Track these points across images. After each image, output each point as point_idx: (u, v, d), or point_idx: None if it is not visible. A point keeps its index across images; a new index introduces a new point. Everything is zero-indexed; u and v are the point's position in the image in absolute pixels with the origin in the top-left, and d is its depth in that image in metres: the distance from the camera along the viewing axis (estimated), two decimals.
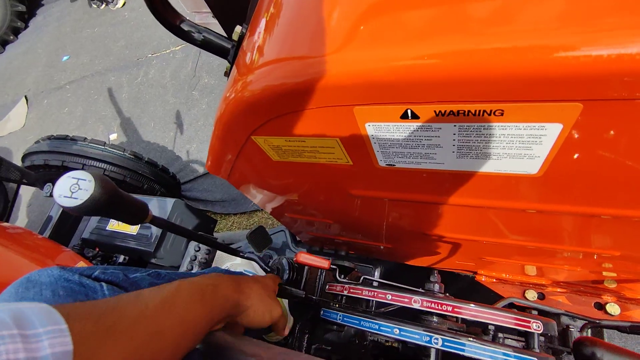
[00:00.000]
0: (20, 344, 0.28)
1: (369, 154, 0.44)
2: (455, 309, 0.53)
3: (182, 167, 2.40)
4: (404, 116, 0.35)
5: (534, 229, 0.56)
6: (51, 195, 1.48)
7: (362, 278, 0.68)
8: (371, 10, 0.35)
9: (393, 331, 0.53)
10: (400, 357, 0.73)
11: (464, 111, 0.32)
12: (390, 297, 0.58)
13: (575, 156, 0.35)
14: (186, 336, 0.45)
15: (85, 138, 1.76)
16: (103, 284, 0.56)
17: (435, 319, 0.62)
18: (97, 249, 1.42)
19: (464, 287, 1.30)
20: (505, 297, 0.89)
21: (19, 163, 1.72)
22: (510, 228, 0.58)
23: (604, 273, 0.77)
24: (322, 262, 0.69)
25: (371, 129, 0.39)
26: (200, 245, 1.30)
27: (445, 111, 0.33)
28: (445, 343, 0.49)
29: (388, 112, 0.35)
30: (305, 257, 0.69)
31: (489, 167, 0.41)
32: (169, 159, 2.49)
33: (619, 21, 0.24)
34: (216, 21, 0.65)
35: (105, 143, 1.77)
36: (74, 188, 0.42)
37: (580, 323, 0.85)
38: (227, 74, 0.55)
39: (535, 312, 0.76)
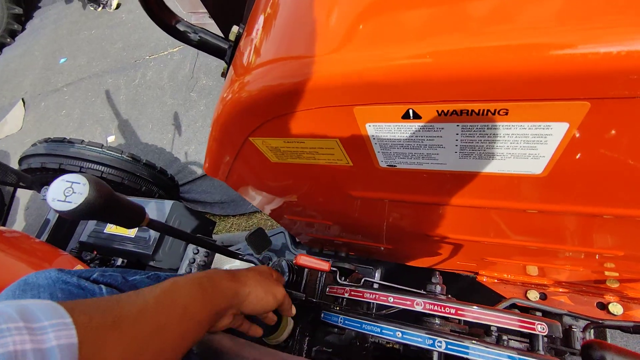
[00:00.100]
0: (27, 335, 0.28)
1: (369, 155, 0.44)
2: (459, 311, 0.52)
3: (181, 168, 2.39)
4: (406, 116, 0.34)
5: (538, 230, 0.56)
6: None
7: (363, 280, 0.68)
8: (371, 8, 0.34)
9: (395, 334, 0.52)
10: None
11: (467, 111, 0.32)
12: (392, 299, 0.57)
13: (581, 156, 0.35)
14: (189, 328, 0.45)
15: (83, 140, 1.75)
16: (102, 286, 0.56)
17: (437, 320, 0.62)
18: (95, 252, 1.41)
19: (465, 287, 1.30)
20: (508, 298, 0.88)
21: (15, 166, 1.71)
22: (513, 229, 0.57)
23: (607, 273, 0.76)
24: (323, 265, 0.68)
25: (372, 129, 0.38)
26: (199, 247, 1.29)
27: (448, 111, 0.32)
28: (449, 346, 0.49)
29: (389, 112, 0.35)
30: (305, 260, 0.68)
31: (493, 167, 0.40)
32: (167, 160, 2.48)
33: (627, 18, 0.24)
34: (213, 22, 0.64)
35: (102, 145, 1.76)
36: (68, 192, 0.41)
37: (582, 323, 0.84)
38: (224, 74, 0.54)
39: (539, 314, 0.76)
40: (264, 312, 0.62)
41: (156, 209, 1.37)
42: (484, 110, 0.31)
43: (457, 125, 0.34)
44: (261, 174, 0.57)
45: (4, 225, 1.73)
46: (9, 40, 4.44)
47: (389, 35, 0.31)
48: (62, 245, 1.50)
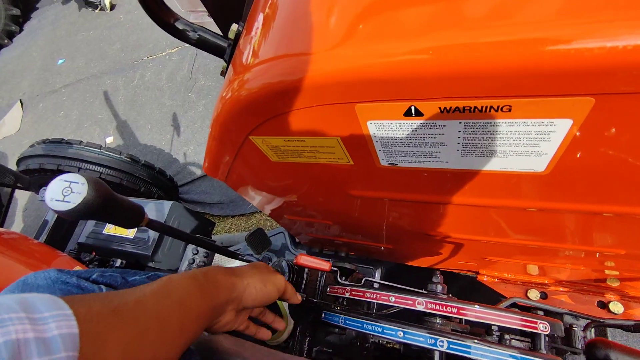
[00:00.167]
0: (29, 325, 0.29)
1: (370, 153, 0.43)
2: (461, 311, 0.52)
3: (180, 169, 2.39)
4: (408, 113, 0.34)
5: (539, 228, 0.55)
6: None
7: (363, 280, 0.67)
8: (372, 4, 0.34)
9: (397, 334, 0.52)
10: (402, 359, 0.71)
11: (470, 107, 0.31)
12: (393, 299, 0.56)
13: (584, 153, 0.34)
14: (187, 321, 0.45)
15: (81, 141, 1.74)
16: (102, 286, 0.55)
17: (438, 320, 0.61)
18: (94, 253, 1.40)
19: (465, 286, 1.30)
20: (508, 297, 0.88)
21: (14, 167, 1.70)
22: (514, 227, 0.57)
23: (607, 271, 0.76)
24: (323, 264, 0.67)
25: (373, 127, 0.38)
26: (199, 248, 1.28)
27: (450, 108, 0.32)
28: (451, 345, 0.48)
29: (391, 109, 0.34)
30: (305, 260, 0.68)
31: (494, 165, 0.39)
32: (166, 161, 2.47)
33: (633, 12, 0.23)
34: (212, 20, 0.64)
35: (101, 146, 1.75)
36: (66, 191, 0.40)
37: (583, 322, 0.84)
38: (223, 73, 0.54)
39: (540, 313, 0.75)
40: (268, 303, 0.61)
41: (155, 209, 1.36)
42: (486, 106, 0.31)
43: (460, 123, 0.34)
44: (261, 173, 0.57)
45: (2, 226, 1.72)
46: (6, 41, 4.43)
47: (391, 30, 0.31)
48: (60, 247, 1.49)
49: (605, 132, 0.31)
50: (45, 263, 1.02)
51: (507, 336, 0.54)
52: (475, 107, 0.31)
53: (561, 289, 0.93)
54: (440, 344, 0.49)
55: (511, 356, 0.47)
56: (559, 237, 0.58)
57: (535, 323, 0.51)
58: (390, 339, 0.53)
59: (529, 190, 0.44)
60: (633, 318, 0.85)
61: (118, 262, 1.36)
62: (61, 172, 1.66)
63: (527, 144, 0.35)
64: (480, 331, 0.67)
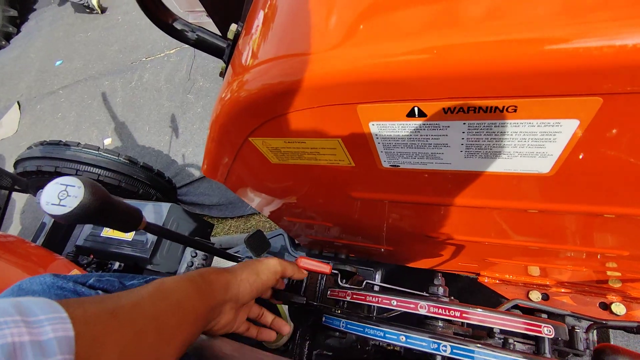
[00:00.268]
0: (24, 328, 0.28)
1: (372, 155, 0.43)
2: (464, 315, 0.51)
3: (178, 171, 2.38)
4: (411, 114, 0.33)
5: (542, 230, 0.55)
6: None
7: (364, 283, 0.66)
8: (373, 3, 0.33)
9: (399, 338, 0.51)
10: None
11: (475, 108, 0.31)
12: (395, 302, 0.56)
13: (591, 154, 0.34)
14: (184, 321, 0.45)
15: (79, 143, 1.73)
16: (99, 291, 0.55)
17: (440, 323, 0.61)
18: (92, 256, 1.39)
19: (466, 287, 1.29)
20: (510, 299, 0.87)
21: (11, 169, 1.69)
22: (517, 229, 0.57)
23: (609, 273, 0.76)
24: (323, 267, 0.67)
25: (375, 128, 0.37)
26: (197, 250, 1.27)
27: (454, 108, 0.31)
28: (454, 350, 0.47)
29: (393, 110, 0.34)
30: (305, 262, 0.67)
31: (498, 166, 0.39)
32: (165, 163, 2.46)
33: None
34: (211, 20, 0.63)
35: (99, 148, 1.74)
36: (62, 195, 0.40)
37: (585, 324, 0.83)
38: (222, 74, 0.53)
39: (544, 315, 0.75)
40: (266, 290, 0.61)
41: (154, 211, 1.36)
42: (491, 107, 0.30)
43: (464, 123, 0.33)
44: (261, 175, 0.56)
45: None
46: (4, 42, 4.41)
47: (393, 29, 0.30)
48: (58, 249, 1.48)
49: (613, 133, 0.31)
50: (42, 266, 1.01)
51: (510, 340, 0.54)
52: (479, 108, 0.31)
53: (563, 290, 0.92)
54: (444, 348, 0.48)
55: None
56: (562, 238, 0.58)
57: (540, 327, 0.50)
58: (392, 344, 0.52)
59: (533, 191, 0.44)
60: (635, 319, 0.85)
61: (116, 264, 1.35)
62: (59, 174, 1.65)
63: (532, 145, 0.34)
64: (482, 334, 0.66)
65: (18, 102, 3.67)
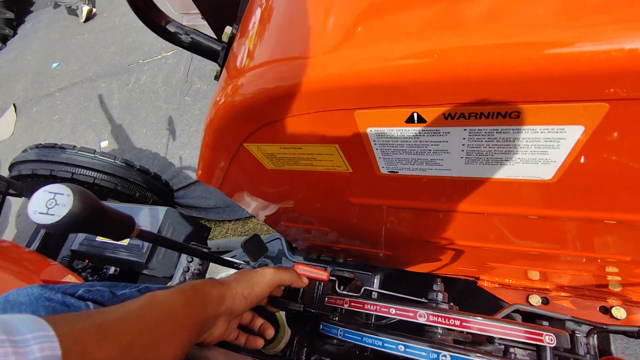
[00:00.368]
0: (10, 348, 0.28)
1: (370, 161, 0.42)
2: (464, 323, 0.50)
3: (175, 173, 2.36)
4: (410, 120, 0.32)
5: (543, 235, 0.54)
6: None
7: (362, 289, 0.65)
8: (371, 5, 0.32)
9: (398, 348, 0.50)
10: None
11: (476, 113, 0.30)
12: (394, 310, 0.55)
13: (595, 160, 0.33)
14: (173, 335, 0.44)
15: (75, 146, 1.72)
16: (89, 303, 0.53)
17: (439, 329, 0.60)
18: (87, 261, 1.37)
19: (465, 290, 1.28)
20: (510, 304, 0.86)
21: (6, 173, 1.67)
22: (518, 235, 0.56)
23: (609, 277, 0.75)
24: (321, 274, 0.65)
25: (373, 134, 0.36)
26: None
27: (454, 114, 0.30)
28: None
29: (392, 115, 0.32)
30: (302, 269, 0.66)
31: (500, 173, 0.38)
32: (162, 165, 2.44)
33: None
34: (205, 23, 0.62)
35: (95, 151, 1.73)
36: (50, 203, 0.38)
37: (586, 328, 0.83)
38: (217, 77, 0.52)
39: (545, 323, 0.74)
40: (261, 300, 0.60)
41: (150, 215, 1.34)
42: (493, 112, 0.29)
43: (464, 129, 0.32)
44: (257, 181, 0.55)
45: None
46: (0, 45, 4.39)
47: (391, 33, 0.29)
48: (53, 254, 1.47)
49: (619, 139, 0.30)
50: (35, 273, 0.99)
51: (512, 350, 0.53)
52: (481, 113, 0.30)
53: (563, 294, 0.91)
54: (443, 357, 0.47)
55: None
56: (563, 244, 0.57)
57: (541, 335, 0.49)
58: (390, 353, 0.51)
59: (535, 197, 0.43)
60: (635, 324, 0.84)
61: (111, 269, 1.34)
62: (54, 177, 1.63)
63: (535, 151, 0.33)
64: (482, 339, 0.65)
65: (14, 105, 3.65)
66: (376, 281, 1.01)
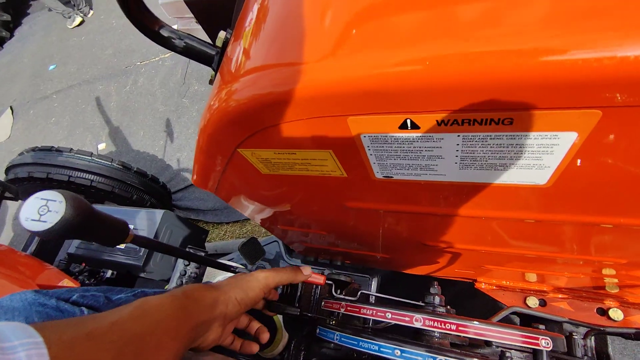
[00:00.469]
0: None
1: (364, 166, 0.41)
2: (460, 328, 0.50)
3: (173, 176, 2.36)
4: (403, 126, 0.32)
5: (539, 239, 0.54)
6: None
7: (359, 293, 0.65)
8: (365, 13, 0.32)
9: (394, 352, 0.50)
10: None
11: (469, 120, 0.29)
12: (390, 315, 0.54)
13: (589, 166, 0.33)
14: (165, 340, 0.43)
15: (72, 149, 1.71)
16: (83, 308, 0.53)
17: (437, 333, 0.59)
18: (84, 265, 1.37)
19: (463, 291, 1.28)
20: (508, 306, 0.86)
21: (2, 176, 1.67)
22: (514, 238, 0.56)
23: (607, 279, 0.75)
24: (318, 278, 0.65)
25: (367, 140, 0.36)
26: None
27: (448, 120, 0.30)
28: None
29: (385, 122, 0.32)
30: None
31: (494, 178, 0.38)
32: (159, 168, 2.44)
33: None
34: (199, 27, 0.62)
35: (92, 153, 1.72)
36: (42, 210, 0.38)
37: (583, 330, 0.83)
38: (212, 82, 0.52)
39: (542, 327, 0.74)
40: (255, 303, 0.60)
41: (147, 218, 1.34)
42: (486, 119, 0.29)
43: (458, 136, 0.32)
44: (252, 185, 0.55)
45: None
46: None
47: (385, 40, 0.29)
48: (50, 257, 1.46)
49: (612, 145, 0.29)
50: (31, 277, 0.99)
51: (508, 354, 0.52)
52: (474, 120, 0.29)
53: (560, 296, 0.91)
54: None
55: None
56: (559, 247, 0.57)
57: (537, 339, 0.49)
58: (387, 358, 0.51)
59: (530, 202, 0.43)
60: (633, 325, 0.84)
61: (109, 273, 1.33)
62: (51, 180, 1.63)
63: (529, 157, 0.33)
64: (479, 342, 0.65)
65: (11, 107, 3.64)
66: (374, 284, 1.01)
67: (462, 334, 0.50)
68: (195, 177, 0.54)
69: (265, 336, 0.65)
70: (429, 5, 0.29)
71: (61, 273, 1.08)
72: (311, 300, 0.75)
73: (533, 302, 0.92)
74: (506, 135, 0.31)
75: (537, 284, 0.89)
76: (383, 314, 0.55)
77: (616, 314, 0.86)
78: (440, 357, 0.47)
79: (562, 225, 0.48)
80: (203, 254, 1.07)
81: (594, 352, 0.81)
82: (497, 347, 0.64)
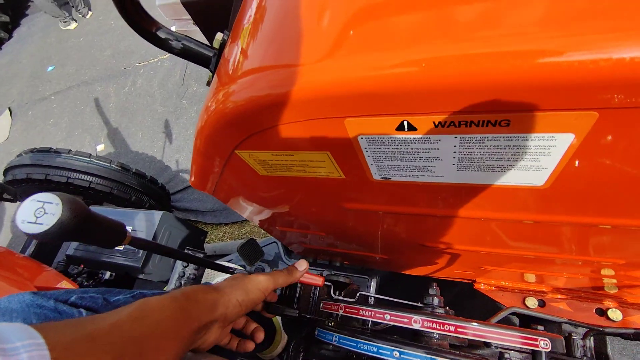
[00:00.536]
0: (0, 357, 0.27)
1: (362, 167, 0.41)
2: (459, 329, 0.50)
3: (172, 177, 2.36)
4: (400, 128, 0.32)
5: (538, 240, 0.54)
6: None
7: (357, 295, 0.65)
8: (362, 14, 0.32)
9: (393, 354, 0.50)
10: None
11: (466, 122, 0.29)
12: (388, 317, 0.54)
13: (586, 167, 0.33)
14: (165, 342, 0.43)
15: (70, 150, 1.71)
16: (82, 310, 0.53)
17: (436, 334, 0.59)
18: (82, 266, 1.36)
19: (463, 292, 1.28)
20: (507, 307, 0.86)
21: (0, 177, 1.66)
22: (512, 239, 0.56)
23: (605, 280, 0.75)
24: (316, 280, 0.65)
25: (364, 141, 0.36)
26: None
27: (445, 122, 0.30)
28: None
29: (382, 123, 0.32)
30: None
31: (492, 179, 0.38)
32: (158, 169, 2.44)
33: None
34: (197, 29, 0.62)
35: (90, 155, 1.72)
36: (39, 212, 0.38)
37: (582, 330, 0.82)
38: (209, 83, 0.52)
39: (540, 328, 0.74)
40: (254, 306, 0.59)
41: (145, 220, 1.34)
42: (483, 121, 0.29)
43: (455, 137, 0.32)
44: (250, 187, 0.55)
45: None
46: None
47: (382, 41, 0.29)
48: (48, 260, 1.45)
49: (608, 146, 0.29)
50: (29, 279, 0.99)
51: (507, 355, 0.52)
52: (471, 122, 0.29)
53: (559, 296, 0.91)
54: None
55: None
56: (557, 248, 0.57)
57: (536, 340, 0.49)
58: (385, 359, 0.51)
59: (528, 203, 0.43)
60: (632, 325, 0.84)
61: (107, 274, 1.33)
62: (49, 181, 1.62)
63: (526, 158, 0.33)
64: (479, 343, 0.65)
65: (9, 108, 3.63)
66: (373, 285, 1.01)
67: (461, 335, 0.50)
68: (193, 178, 0.54)
69: (260, 336, 0.65)
70: (426, 6, 0.29)
71: (59, 275, 1.08)
72: (310, 301, 0.75)
73: (532, 302, 0.92)
74: (503, 137, 0.31)
75: (536, 284, 0.89)
76: (382, 316, 0.55)
77: (615, 314, 0.86)
78: (439, 358, 0.46)
79: (560, 226, 0.48)
80: (202, 255, 1.07)
81: (593, 352, 0.81)
82: (496, 348, 0.63)
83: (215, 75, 0.47)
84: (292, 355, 0.85)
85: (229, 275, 0.86)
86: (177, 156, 2.45)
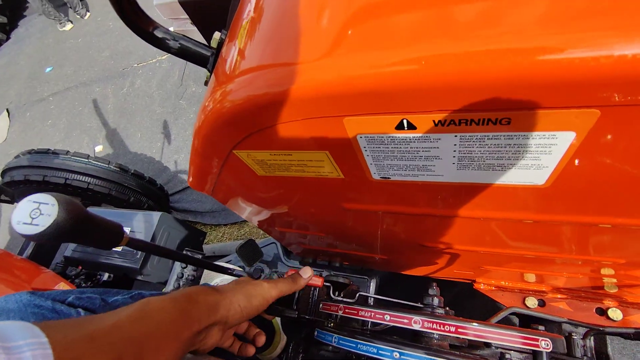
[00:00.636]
0: (3, 355, 0.28)
1: (361, 167, 0.41)
2: (459, 330, 0.49)
3: (170, 177, 2.35)
4: (400, 127, 0.32)
5: (540, 239, 0.53)
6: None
7: (357, 295, 0.65)
8: (360, 13, 0.32)
9: (393, 355, 0.49)
10: None
11: (467, 120, 0.29)
12: (388, 317, 0.54)
13: (587, 165, 0.32)
14: (165, 343, 0.43)
15: (68, 151, 1.70)
16: (80, 310, 0.52)
17: (436, 335, 0.59)
18: (80, 268, 1.36)
19: (463, 292, 1.27)
20: (507, 307, 0.86)
21: None
22: (513, 239, 0.55)
23: (605, 279, 0.75)
24: (315, 280, 0.65)
25: (363, 140, 0.35)
26: None
27: (445, 120, 0.30)
28: None
29: (382, 122, 0.32)
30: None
31: (492, 178, 0.37)
32: (157, 170, 2.43)
33: None
34: (195, 28, 0.61)
35: (88, 156, 1.71)
36: (34, 213, 0.37)
37: (582, 330, 0.82)
38: (207, 83, 0.51)
39: (541, 328, 0.73)
40: (254, 315, 0.58)
41: (144, 221, 1.33)
42: (484, 119, 0.29)
43: (455, 136, 0.32)
44: (249, 187, 0.54)
45: None
46: None
47: (381, 39, 0.29)
48: (46, 261, 1.45)
49: (610, 144, 0.29)
50: (26, 281, 0.98)
51: (507, 355, 0.52)
52: (471, 120, 0.29)
53: (559, 296, 0.91)
54: None
55: None
56: (558, 247, 0.57)
57: (537, 340, 0.49)
58: None
59: (528, 202, 0.42)
60: (632, 325, 0.84)
61: (105, 276, 1.33)
62: (47, 183, 1.62)
63: (527, 157, 0.32)
64: (479, 343, 0.65)
65: (7, 110, 3.62)
66: (372, 285, 1.00)
67: (461, 336, 0.50)
68: (191, 179, 0.53)
69: (261, 340, 0.64)
70: (425, 5, 0.29)
71: (57, 276, 1.07)
72: (309, 302, 0.75)
73: (532, 302, 0.92)
74: (504, 135, 0.30)
75: (536, 284, 0.89)
76: (381, 316, 0.55)
77: (615, 313, 0.86)
78: (439, 359, 0.46)
79: (560, 225, 0.47)
80: (200, 256, 1.07)
81: (593, 352, 0.81)
82: (497, 348, 0.63)
83: (212, 74, 0.47)
84: (291, 356, 0.84)
85: (228, 276, 0.85)
86: (176, 157, 2.45)
